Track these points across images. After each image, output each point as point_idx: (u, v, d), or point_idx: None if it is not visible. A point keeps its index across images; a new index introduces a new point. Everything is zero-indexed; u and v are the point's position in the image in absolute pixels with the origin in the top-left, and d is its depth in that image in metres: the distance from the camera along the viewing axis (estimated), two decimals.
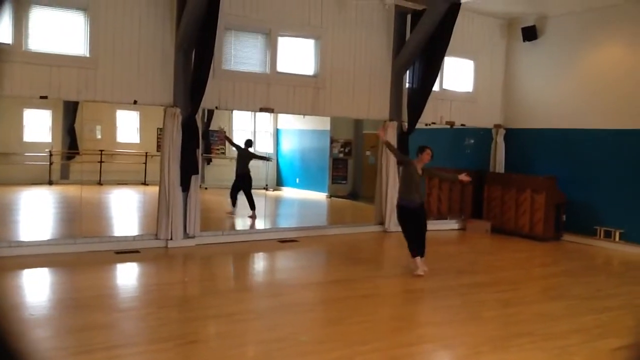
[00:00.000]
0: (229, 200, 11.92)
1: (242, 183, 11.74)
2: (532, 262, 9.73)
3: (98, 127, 17.35)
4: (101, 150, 16.61)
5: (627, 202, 10.28)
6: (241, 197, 11.75)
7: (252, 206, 11.64)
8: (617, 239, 10.41)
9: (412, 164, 7.70)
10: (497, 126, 12.54)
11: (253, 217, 11.64)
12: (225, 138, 12.59)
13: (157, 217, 8.83)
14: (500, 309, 6.56)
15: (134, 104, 8.68)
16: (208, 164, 12.85)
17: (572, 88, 11.28)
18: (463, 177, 7.73)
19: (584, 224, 10.87)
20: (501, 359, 4.82)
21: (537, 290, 7.61)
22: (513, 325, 5.82)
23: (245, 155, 11.95)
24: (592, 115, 10.89)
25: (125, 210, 13.58)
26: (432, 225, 11.91)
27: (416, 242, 7.60)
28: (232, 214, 11.93)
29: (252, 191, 11.74)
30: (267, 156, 13.33)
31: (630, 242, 10.20)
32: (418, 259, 7.58)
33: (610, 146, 10.60)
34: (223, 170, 12.58)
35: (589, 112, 10.94)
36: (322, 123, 16.08)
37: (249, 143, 12.11)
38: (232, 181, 12.01)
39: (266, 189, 16.94)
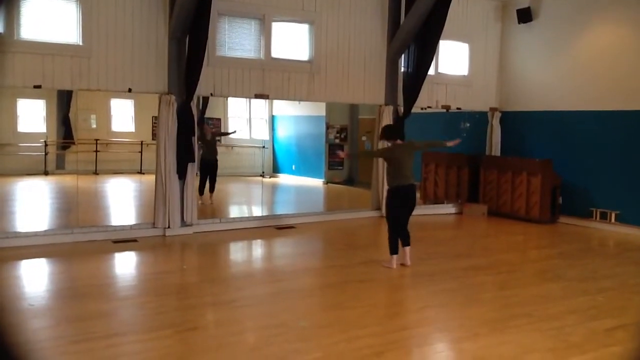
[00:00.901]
0: (203, 194, 11.67)
1: (211, 170, 11.60)
2: (528, 245, 9.78)
3: (93, 117, 17.27)
4: (96, 140, 16.54)
5: (623, 184, 10.32)
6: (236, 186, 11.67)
7: (212, 190, 11.58)
8: (613, 220, 10.46)
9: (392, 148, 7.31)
10: (493, 109, 12.53)
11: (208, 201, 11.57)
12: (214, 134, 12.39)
13: (154, 206, 8.83)
14: (497, 291, 6.61)
15: (129, 92, 8.63)
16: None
17: (567, 70, 11.27)
18: (452, 142, 7.40)
19: (580, 206, 10.92)
20: (498, 341, 4.86)
21: (533, 273, 7.66)
22: (510, 307, 5.86)
23: (210, 139, 11.79)
24: (588, 96, 10.88)
25: (122, 200, 13.56)
26: (429, 209, 12.04)
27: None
28: (210, 201, 11.82)
29: (246, 178, 11.61)
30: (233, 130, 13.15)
31: (626, 223, 10.26)
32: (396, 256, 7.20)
33: (606, 128, 10.61)
34: (220, 157, 12.53)
35: (584, 94, 10.94)
36: (318, 109, 16.04)
37: (206, 122, 11.95)
38: (228, 169, 11.95)
39: (262, 176, 16.96)
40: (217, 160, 11.77)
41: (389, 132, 7.49)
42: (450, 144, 7.53)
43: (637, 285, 6.91)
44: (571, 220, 11.00)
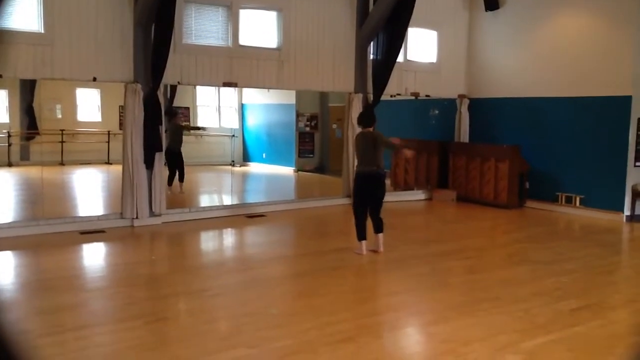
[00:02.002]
0: (172, 185, 11.52)
1: (176, 160, 11.50)
2: (496, 230, 9.94)
3: (58, 106, 16.91)
4: (62, 130, 16.22)
5: (587, 169, 10.55)
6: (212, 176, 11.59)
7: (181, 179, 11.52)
8: (577, 204, 10.70)
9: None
10: (461, 96, 12.65)
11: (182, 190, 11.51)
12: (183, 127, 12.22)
13: (122, 196, 8.70)
14: (466, 275, 6.71)
15: (93, 80, 8.45)
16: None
17: (533, 57, 11.42)
18: (407, 152, 7.48)
19: (546, 191, 11.13)
20: (467, 324, 4.94)
21: (501, 257, 7.80)
22: (479, 290, 5.96)
23: (176, 128, 11.68)
24: (553, 83, 11.06)
25: (89, 190, 13.34)
26: (399, 196, 12.12)
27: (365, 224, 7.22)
28: (181, 190, 11.71)
29: (215, 167, 11.52)
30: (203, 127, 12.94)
31: (590, 207, 10.50)
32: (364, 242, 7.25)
33: (571, 114, 10.81)
34: (188, 147, 12.41)
35: (550, 81, 11.11)
36: (288, 97, 15.98)
37: (173, 112, 11.73)
38: (198, 158, 11.83)
39: (232, 165, 16.84)
40: (180, 151, 11.64)
41: (359, 119, 7.69)
42: (408, 154, 7.56)
43: (600, 267, 7.09)
44: (538, 205, 11.21)
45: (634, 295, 6.00)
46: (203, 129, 13.26)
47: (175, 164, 11.51)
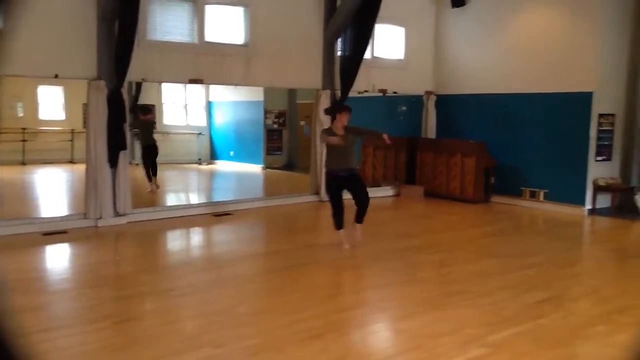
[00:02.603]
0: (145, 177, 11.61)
1: (151, 154, 11.53)
2: (464, 224, 10.04)
3: (19, 104, 16.50)
4: (23, 129, 15.84)
5: (551, 164, 10.74)
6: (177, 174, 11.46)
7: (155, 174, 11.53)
8: (541, 198, 10.89)
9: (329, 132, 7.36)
10: (428, 93, 12.75)
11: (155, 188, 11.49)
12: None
13: (85, 196, 8.52)
14: (435, 269, 6.76)
15: (55, 77, 8.24)
16: (138, 139, 12.45)
17: (498, 53, 11.58)
18: (386, 137, 7.43)
19: (512, 186, 11.30)
20: (436, 318, 4.97)
21: (469, 251, 7.88)
22: (448, 284, 6.01)
23: (147, 124, 11.71)
24: (518, 79, 11.23)
25: (52, 190, 13.03)
26: (368, 192, 12.13)
27: (342, 214, 7.28)
28: (156, 185, 11.64)
29: (182, 166, 11.50)
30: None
31: (554, 201, 10.70)
32: (342, 231, 7.37)
33: (536, 110, 10.99)
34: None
35: (515, 77, 11.28)
36: (256, 94, 15.89)
37: (146, 110, 11.89)
38: (164, 156, 11.72)
39: (199, 163, 16.67)
40: (156, 144, 11.60)
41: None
42: (385, 138, 7.49)
43: (563, 259, 7.22)
44: (503, 200, 11.37)
45: (595, 287, 6.13)
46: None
47: (152, 157, 11.45)
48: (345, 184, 7.24)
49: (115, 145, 8.55)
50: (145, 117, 11.89)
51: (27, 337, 4.44)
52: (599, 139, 10.33)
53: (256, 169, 16.33)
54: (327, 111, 9.54)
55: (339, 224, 7.30)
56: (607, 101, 10.38)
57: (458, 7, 12.08)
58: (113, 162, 8.58)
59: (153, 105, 15.71)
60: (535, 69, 10.94)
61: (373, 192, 12.06)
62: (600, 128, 10.34)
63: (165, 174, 12.88)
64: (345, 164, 7.20)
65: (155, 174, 11.56)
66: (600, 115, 10.31)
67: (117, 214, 8.68)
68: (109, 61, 8.40)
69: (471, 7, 12.02)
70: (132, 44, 8.27)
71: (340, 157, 7.19)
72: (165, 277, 6.34)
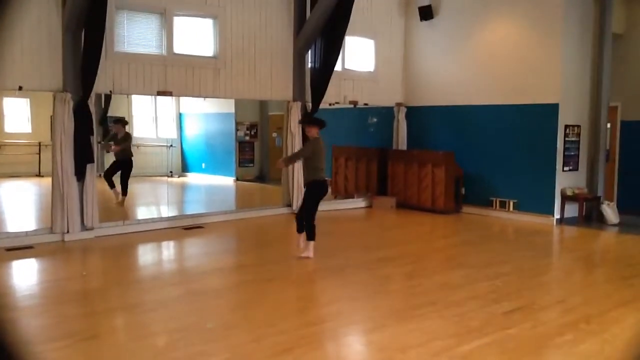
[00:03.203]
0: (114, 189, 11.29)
1: (122, 167, 11.24)
2: (434, 235, 10.11)
3: None
4: None
5: (519, 174, 10.90)
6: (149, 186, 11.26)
7: (125, 192, 11.23)
8: (511, 208, 11.02)
9: (309, 145, 7.55)
10: (399, 104, 12.85)
11: (119, 201, 11.18)
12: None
13: (51, 210, 8.34)
14: (404, 281, 6.78)
15: (19, 90, 8.07)
16: (107, 152, 12.26)
17: (465, 66, 11.74)
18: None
19: (481, 196, 11.43)
20: (404, 330, 4.97)
21: (438, 261, 7.93)
22: (416, 296, 6.02)
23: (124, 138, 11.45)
24: (485, 91, 11.40)
25: (18, 204, 12.74)
26: (340, 204, 12.18)
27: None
28: (119, 200, 11.36)
29: (152, 178, 11.25)
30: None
31: (523, 211, 10.84)
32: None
33: (504, 121, 11.16)
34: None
35: (482, 89, 11.45)
36: (227, 106, 15.78)
37: (121, 122, 11.51)
38: (134, 169, 11.52)
39: (170, 175, 16.46)
40: (128, 161, 11.32)
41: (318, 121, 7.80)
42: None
43: (531, 269, 7.31)
44: (474, 210, 11.49)
45: (563, 296, 6.21)
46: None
47: (117, 171, 11.20)
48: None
49: (82, 158, 8.41)
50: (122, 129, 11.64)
51: None
52: (565, 149, 10.53)
53: (228, 181, 16.22)
54: (300, 122, 9.59)
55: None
56: (572, 112, 10.59)
57: (426, 20, 12.23)
58: (80, 175, 8.43)
59: (122, 117, 15.50)
60: (501, 81, 11.12)
61: (345, 204, 12.15)
62: (567, 139, 10.54)
63: (135, 187, 12.68)
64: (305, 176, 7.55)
65: (125, 190, 11.29)
66: (566, 127, 10.51)
67: (84, 228, 8.53)
68: (74, 73, 8.29)
69: (439, 21, 12.18)
70: (98, 56, 8.18)
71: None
72: (133, 293, 6.22)
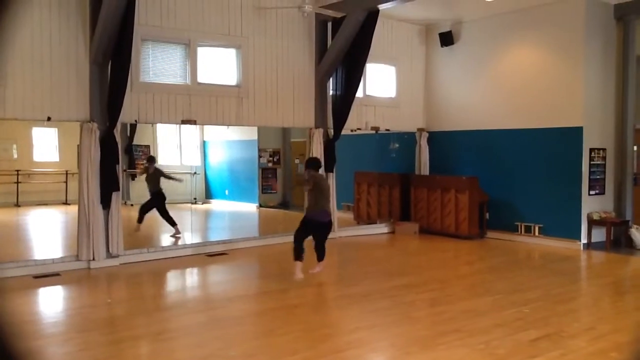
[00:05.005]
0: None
1: (156, 202, 11.22)
2: (458, 261, 9.99)
3: (14, 146, 16.56)
4: (17, 170, 15.84)
5: (544, 198, 10.77)
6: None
7: (173, 223, 11.13)
8: (536, 233, 10.87)
9: (318, 176, 7.91)
10: (420, 130, 12.85)
11: (177, 233, 11.10)
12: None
13: (77, 238, 8.47)
14: (428, 308, 6.69)
15: (48, 120, 8.29)
16: (133, 179, 12.46)
17: (487, 90, 11.73)
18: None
19: (506, 221, 11.29)
20: (429, 358, 4.90)
21: (463, 288, 7.82)
22: (441, 323, 5.94)
23: (153, 173, 11.50)
24: (507, 115, 11.35)
25: (45, 232, 12.96)
26: (362, 230, 12.14)
27: (301, 247, 7.77)
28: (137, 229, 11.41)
29: (177, 206, 11.28)
30: (179, 177, 12.45)
31: (549, 235, 10.68)
32: (298, 263, 7.73)
33: (526, 145, 11.08)
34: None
35: (504, 113, 11.40)
36: (250, 133, 15.95)
37: (151, 160, 11.67)
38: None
39: (194, 202, 16.62)
40: (158, 192, 11.35)
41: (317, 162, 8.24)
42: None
43: (559, 295, 7.16)
44: (498, 235, 11.35)
45: (592, 323, 6.06)
46: (179, 180, 12.72)
47: (153, 206, 11.25)
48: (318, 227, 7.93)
49: (108, 186, 8.55)
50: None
51: None
52: (591, 173, 10.39)
53: (251, 207, 16.30)
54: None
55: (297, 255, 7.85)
56: (597, 136, 10.47)
57: (447, 46, 12.29)
58: (106, 203, 8.57)
59: (146, 146, 15.75)
60: (523, 105, 11.07)
61: (368, 230, 12.11)
62: (592, 162, 10.40)
63: (159, 215, 12.83)
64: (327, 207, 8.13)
65: (171, 223, 11.23)
66: (592, 150, 10.38)
67: (109, 256, 8.63)
68: (101, 103, 8.49)
69: (460, 46, 12.22)
70: (124, 86, 8.37)
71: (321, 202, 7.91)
72: (157, 320, 6.25)
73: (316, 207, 7.73)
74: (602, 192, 10.59)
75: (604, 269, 9.41)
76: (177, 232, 11.06)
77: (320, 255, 7.84)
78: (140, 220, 11.36)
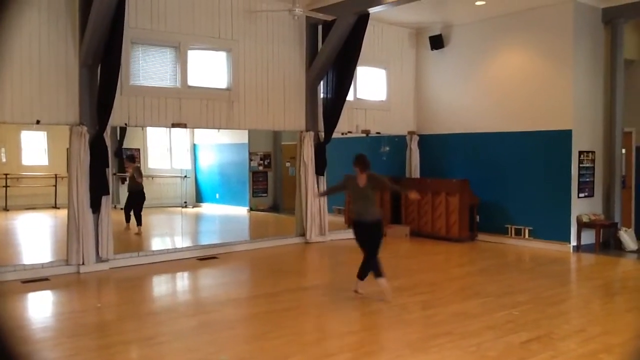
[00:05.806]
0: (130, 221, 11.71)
1: (138, 199, 11.63)
2: (449, 263, 10.01)
3: (2, 150, 16.43)
4: (6, 174, 15.70)
5: (534, 201, 10.82)
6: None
7: (140, 222, 11.56)
8: (526, 236, 10.92)
9: (350, 180, 7.34)
10: (411, 133, 12.88)
11: (139, 232, 11.50)
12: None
13: (67, 242, 8.41)
14: (419, 311, 6.69)
15: (37, 124, 8.23)
16: (122, 183, 12.41)
17: (477, 93, 11.79)
18: (413, 195, 7.29)
19: (497, 224, 11.34)
20: None
21: (454, 291, 7.83)
22: (432, 326, 5.94)
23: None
24: (497, 118, 11.41)
25: (34, 236, 12.85)
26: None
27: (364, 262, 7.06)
28: (138, 231, 11.58)
29: (167, 209, 11.55)
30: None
31: (539, 238, 10.73)
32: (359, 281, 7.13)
33: (516, 148, 11.14)
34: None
35: (494, 116, 11.46)
36: (240, 136, 15.92)
37: (131, 158, 11.96)
38: (149, 200, 11.67)
39: (185, 206, 16.55)
40: (139, 191, 11.66)
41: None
42: (412, 196, 7.40)
43: (549, 297, 7.20)
44: (489, 238, 11.39)
45: (582, 325, 6.09)
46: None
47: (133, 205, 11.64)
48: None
49: (98, 190, 8.50)
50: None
51: None
52: (580, 175, 10.46)
53: (242, 211, 16.25)
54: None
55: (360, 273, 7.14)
56: (586, 139, 10.55)
57: (437, 49, 12.34)
58: (95, 207, 8.51)
59: (136, 149, 15.69)
60: (513, 109, 11.14)
61: None
62: (581, 165, 10.48)
63: (150, 218, 12.78)
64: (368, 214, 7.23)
65: (139, 222, 11.52)
66: (581, 153, 10.46)
67: (99, 260, 8.57)
68: (91, 106, 8.44)
69: (449, 49, 12.28)
70: (114, 90, 8.33)
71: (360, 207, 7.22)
72: (147, 324, 6.21)
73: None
74: (591, 195, 10.67)
75: (594, 271, 9.47)
76: (140, 232, 11.44)
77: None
78: (128, 219, 11.43)
